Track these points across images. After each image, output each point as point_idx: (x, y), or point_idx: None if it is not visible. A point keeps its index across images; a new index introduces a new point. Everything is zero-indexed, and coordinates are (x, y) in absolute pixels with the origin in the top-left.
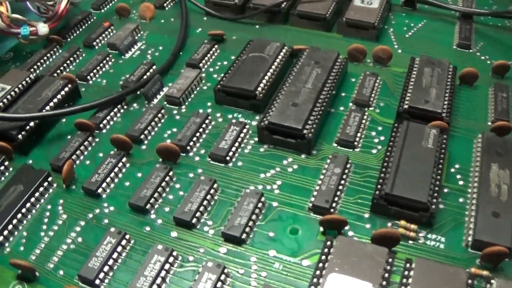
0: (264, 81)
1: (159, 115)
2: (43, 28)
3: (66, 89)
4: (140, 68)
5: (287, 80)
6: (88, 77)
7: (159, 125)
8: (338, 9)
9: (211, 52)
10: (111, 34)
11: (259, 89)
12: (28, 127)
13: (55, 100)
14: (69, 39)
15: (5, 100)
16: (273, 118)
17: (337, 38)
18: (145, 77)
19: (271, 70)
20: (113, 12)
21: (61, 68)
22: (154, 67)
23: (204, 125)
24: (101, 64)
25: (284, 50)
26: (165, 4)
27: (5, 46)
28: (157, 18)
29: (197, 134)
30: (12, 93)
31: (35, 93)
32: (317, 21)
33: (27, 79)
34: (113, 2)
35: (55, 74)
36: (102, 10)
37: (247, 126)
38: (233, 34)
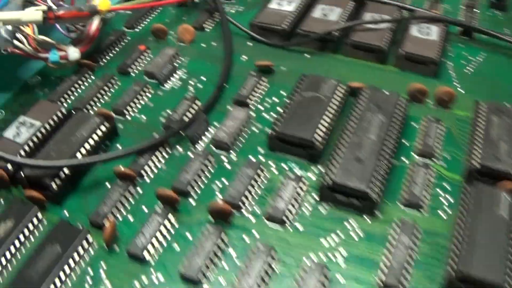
0: (321, 127)
1: (207, 162)
2: (74, 53)
3: (103, 128)
4: (183, 103)
5: (347, 128)
6: (125, 111)
7: (208, 174)
8: (393, 39)
9: (259, 86)
10: (148, 59)
11: (317, 137)
12: (62, 174)
13: (91, 141)
14: (101, 63)
15: (35, 138)
16: (338, 177)
17: (393, 72)
18: (188, 113)
19: (329, 115)
20: (149, 32)
21: (94, 98)
22: (197, 102)
23: (256, 177)
24: (139, 96)
25: (340, 89)
26: (204, 25)
27: (31, 69)
28: (197, 41)
29: (250, 188)
30: (43, 130)
31: (68, 132)
32: (371, 52)
33: (59, 113)
34: (148, 20)
35: (88, 106)
36: (137, 29)
37: (305, 182)
38: (281, 62)
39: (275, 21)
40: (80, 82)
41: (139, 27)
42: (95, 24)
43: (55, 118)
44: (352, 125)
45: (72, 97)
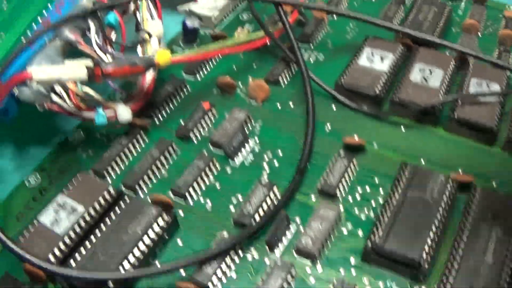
0: (429, 242)
1: (288, 276)
2: (124, 114)
3: (162, 222)
4: (257, 189)
5: (459, 246)
6: (187, 194)
7: None
8: (505, 118)
9: (349, 171)
10: (213, 120)
11: (424, 255)
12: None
13: (147, 240)
14: (156, 121)
15: (77, 228)
16: None
17: (503, 158)
18: (264, 204)
19: (437, 225)
20: (212, 82)
21: (149, 172)
22: (275, 189)
23: None
24: (203, 174)
25: (449, 188)
26: (280, 79)
27: (72, 121)
28: (271, 99)
29: None
30: (87, 217)
31: (119, 227)
32: (480, 131)
33: (106, 194)
34: (211, 66)
35: (141, 182)
36: (198, 77)
37: None
38: (371, 135)
39: (367, 83)
40: (131, 147)
41: (201, 73)
42: (149, 77)
43: (102, 201)
44: (464, 243)
45: (122, 167)
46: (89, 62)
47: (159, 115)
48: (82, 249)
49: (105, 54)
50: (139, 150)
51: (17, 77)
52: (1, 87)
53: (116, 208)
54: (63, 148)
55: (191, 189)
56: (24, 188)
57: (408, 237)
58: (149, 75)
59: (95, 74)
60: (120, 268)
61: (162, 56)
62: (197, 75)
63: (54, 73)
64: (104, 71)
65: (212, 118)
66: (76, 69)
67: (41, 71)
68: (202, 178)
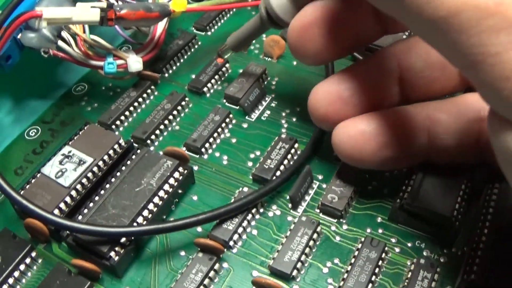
0: (459, 200)
1: (315, 235)
2: (135, 64)
3: (177, 175)
4: (277, 144)
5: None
6: (203, 149)
7: (314, 250)
8: None
9: None
10: (226, 75)
11: (455, 213)
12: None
13: (161, 193)
14: (166, 74)
15: (85, 181)
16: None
17: None
18: (285, 161)
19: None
20: (225, 38)
21: (161, 127)
22: (296, 145)
23: (380, 261)
24: (219, 129)
25: None
26: None
27: (76, 74)
28: (286, 55)
29: (372, 277)
30: (96, 169)
31: (132, 178)
32: None
33: (116, 146)
34: (222, 22)
35: (154, 136)
36: (209, 32)
37: (438, 271)
38: None
39: None
40: (140, 100)
41: (212, 29)
42: (160, 27)
43: (112, 153)
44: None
45: (130, 119)
46: (102, 4)
47: (169, 70)
48: (90, 203)
49: (116, 0)
50: (148, 103)
51: (26, 15)
52: (7, 28)
53: (127, 161)
54: (66, 100)
55: (207, 145)
56: (23, 140)
57: (438, 196)
58: (161, 26)
59: (108, 17)
60: (133, 223)
61: (178, 3)
62: (208, 32)
63: (65, 14)
64: (118, 14)
65: (226, 73)
66: (89, 10)
67: (51, 10)
68: (217, 132)
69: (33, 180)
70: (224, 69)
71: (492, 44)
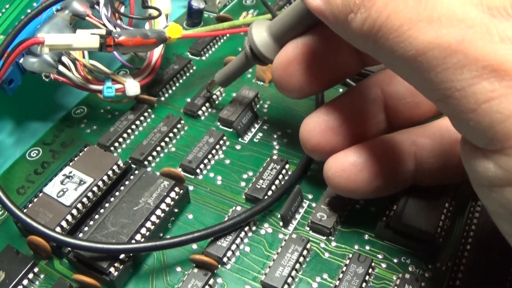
0: (443, 217)
1: (304, 251)
2: (133, 88)
3: (174, 195)
4: (269, 165)
5: (472, 222)
6: (198, 170)
7: (303, 266)
8: None
9: None
10: (220, 99)
11: (438, 230)
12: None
13: (159, 212)
14: (162, 98)
15: (85, 200)
16: None
17: None
18: (277, 181)
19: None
20: (219, 62)
21: (158, 148)
22: (287, 166)
23: (367, 276)
24: (213, 151)
25: None
26: None
27: (75, 97)
28: None
29: None
30: (96, 189)
31: (130, 198)
32: None
33: (115, 167)
34: (217, 46)
35: (150, 158)
36: (203, 57)
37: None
38: None
39: None
40: (138, 122)
41: (206, 54)
42: (157, 52)
43: (111, 173)
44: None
45: (128, 141)
46: (101, 31)
47: (165, 93)
48: (90, 221)
49: (114, 27)
50: (145, 126)
51: (29, 42)
52: (10, 53)
53: (126, 181)
54: (66, 122)
55: (202, 166)
56: (25, 161)
57: (422, 213)
58: (157, 51)
59: (107, 43)
60: (132, 240)
61: (173, 30)
62: (203, 57)
63: (66, 40)
64: (117, 40)
65: (219, 96)
66: (89, 37)
67: (53, 37)
68: (212, 154)
69: (35, 199)
70: (218, 93)
71: (457, 80)
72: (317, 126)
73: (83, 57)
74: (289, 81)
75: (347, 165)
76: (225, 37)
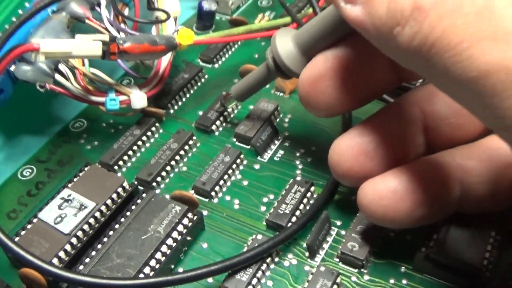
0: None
1: (334, 286)
2: (139, 100)
3: (186, 221)
4: (293, 189)
5: None
6: (213, 192)
7: None
8: None
9: None
10: (236, 112)
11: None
12: None
13: (169, 241)
14: (172, 111)
15: (87, 227)
16: None
17: None
18: (301, 205)
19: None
20: (233, 71)
21: (167, 167)
22: (312, 189)
23: None
24: (230, 171)
25: None
26: None
27: (73, 108)
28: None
29: None
30: (98, 215)
31: (137, 225)
32: None
33: (120, 190)
34: (230, 53)
35: (159, 178)
36: (216, 65)
37: None
38: None
39: None
40: (144, 138)
41: (219, 61)
42: (165, 61)
43: (115, 197)
44: None
45: (134, 160)
46: (104, 37)
47: (175, 106)
48: (92, 252)
49: (118, 32)
50: (152, 142)
51: (22, 48)
52: (0, 61)
53: (132, 205)
54: (63, 137)
55: (217, 188)
56: (16, 180)
57: (466, 244)
58: (166, 59)
59: (111, 51)
60: (140, 274)
61: (184, 36)
62: (215, 64)
63: (64, 47)
64: (122, 47)
65: (235, 110)
66: (90, 44)
67: (49, 43)
68: (228, 174)
69: (29, 226)
70: (234, 106)
71: None
72: (349, 149)
73: (83, 65)
74: (317, 99)
75: (386, 192)
76: (239, 42)
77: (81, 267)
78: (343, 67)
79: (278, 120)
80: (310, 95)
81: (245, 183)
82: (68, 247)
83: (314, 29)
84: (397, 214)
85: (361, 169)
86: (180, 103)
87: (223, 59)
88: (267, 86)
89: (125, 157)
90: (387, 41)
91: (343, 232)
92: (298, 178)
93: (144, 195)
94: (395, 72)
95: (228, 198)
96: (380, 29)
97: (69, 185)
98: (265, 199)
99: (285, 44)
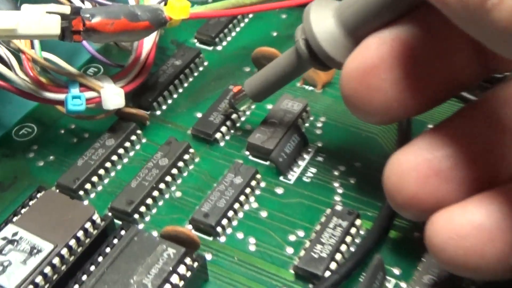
0: None
1: None
2: (113, 97)
3: (182, 269)
4: (331, 223)
5: None
6: (219, 228)
7: None
8: None
9: None
10: (248, 114)
11: None
12: None
13: None
14: (158, 112)
15: (40, 281)
16: None
17: None
18: (343, 245)
19: None
20: (244, 55)
21: (154, 193)
22: (358, 222)
23: None
24: (242, 198)
25: None
26: None
27: (18, 108)
28: (336, 84)
29: None
30: (57, 261)
31: (114, 276)
32: None
33: (89, 225)
34: (238, 29)
35: (143, 207)
36: (219, 47)
37: None
38: None
39: None
40: (121, 151)
41: (223, 42)
42: (148, 43)
43: (82, 235)
44: None
45: (107, 182)
46: (63, 8)
47: (163, 105)
48: None
49: (82, 1)
50: (132, 157)
51: None
52: None
53: (106, 247)
54: (3, 149)
55: (223, 220)
56: None
57: None
58: (150, 39)
59: (74, 28)
60: None
61: (176, 7)
62: (218, 45)
63: (7, 22)
64: (88, 24)
65: (247, 110)
66: (43, 18)
67: None
68: (239, 202)
69: None
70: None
71: None
72: (415, 168)
73: (32, 47)
74: (369, 98)
75: (468, 229)
76: (250, 15)
77: None
78: (407, 53)
79: (307, 125)
80: (359, 93)
81: (264, 214)
82: None
83: (365, 1)
84: (483, 261)
85: (432, 196)
86: (170, 102)
87: (228, 38)
88: None
89: (94, 178)
90: (476, 17)
91: (403, 285)
92: (338, 208)
93: (123, 232)
94: (482, 60)
95: (240, 235)
96: (468, 3)
97: (14, 219)
98: (292, 237)
99: (324, 21)
